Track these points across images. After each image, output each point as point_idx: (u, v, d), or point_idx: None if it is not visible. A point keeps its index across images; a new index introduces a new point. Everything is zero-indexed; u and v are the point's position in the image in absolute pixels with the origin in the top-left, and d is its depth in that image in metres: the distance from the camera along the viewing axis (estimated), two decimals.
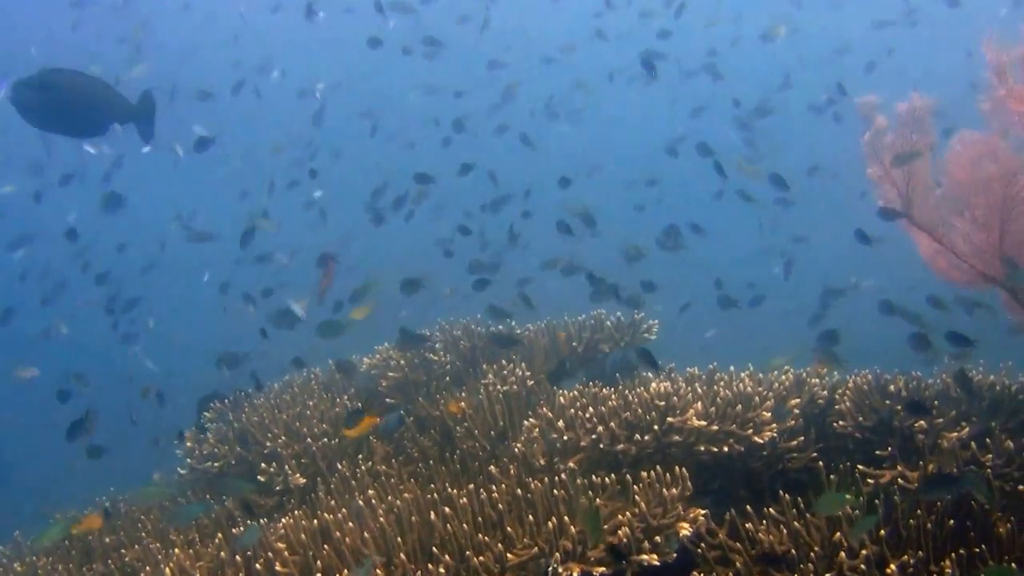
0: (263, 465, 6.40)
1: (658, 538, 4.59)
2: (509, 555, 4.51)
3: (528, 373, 6.81)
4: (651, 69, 8.74)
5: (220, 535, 5.51)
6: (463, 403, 6.49)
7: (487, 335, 7.57)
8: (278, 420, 6.87)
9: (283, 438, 6.62)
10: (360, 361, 7.84)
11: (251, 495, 6.21)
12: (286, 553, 4.88)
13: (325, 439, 6.55)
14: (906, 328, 6.36)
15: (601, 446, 5.30)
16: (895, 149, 6.38)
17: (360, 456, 6.38)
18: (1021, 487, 4.58)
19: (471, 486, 4.99)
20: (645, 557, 4.50)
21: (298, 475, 6.29)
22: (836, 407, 5.73)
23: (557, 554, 4.46)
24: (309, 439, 6.52)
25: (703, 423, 5.25)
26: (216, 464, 6.76)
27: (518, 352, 7.31)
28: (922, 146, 6.33)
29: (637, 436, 5.24)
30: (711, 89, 15.99)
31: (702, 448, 5.24)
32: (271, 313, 8.13)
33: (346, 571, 4.67)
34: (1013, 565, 4.16)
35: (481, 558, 4.48)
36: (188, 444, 7.09)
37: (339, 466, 6.22)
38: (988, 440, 5.00)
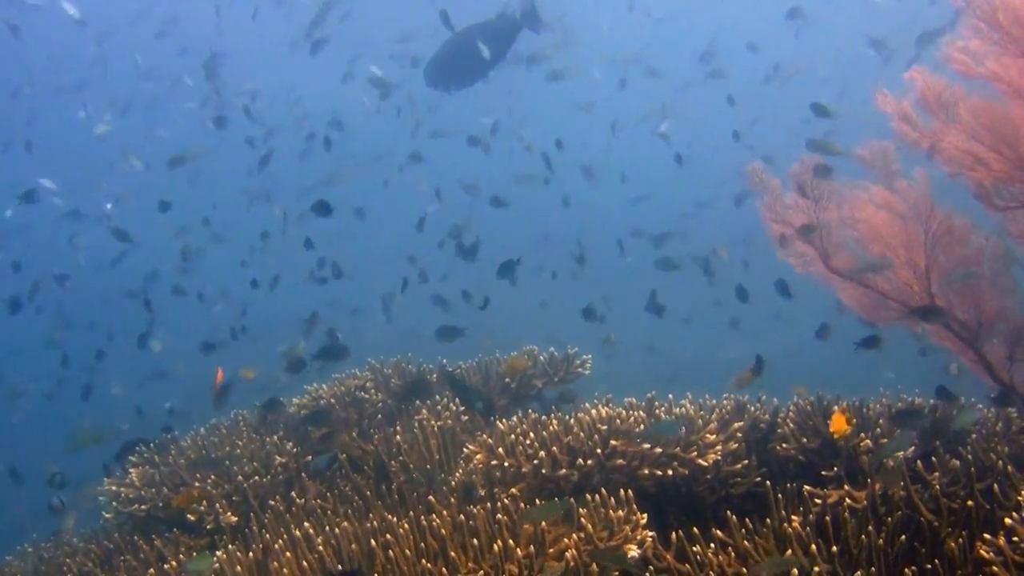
0: (193, 504, 6.20)
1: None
2: None
3: (462, 408, 6.71)
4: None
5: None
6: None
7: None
8: (207, 461, 6.68)
9: (213, 477, 6.43)
10: (289, 401, 7.69)
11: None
12: None
13: (256, 477, 6.36)
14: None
15: (544, 471, 5.18)
16: (802, 207, 6.45)
17: (293, 493, 6.21)
18: (970, 502, 4.53)
19: (412, 513, 4.85)
20: None
21: (230, 513, 6.11)
22: (779, 430, 5.67)
23: None
24: (240, 477, 6.34)
25: (647, 445, 5.16)
26: (143, 507, 6.55)
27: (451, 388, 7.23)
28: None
29: (580, 461, 5.13)
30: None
31: (646, 472, 5.15)
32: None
33: None
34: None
35: None
36: (112, 488, 6.85)
37: (272, 502, 6.04)
38: (934, 459, 4.97)
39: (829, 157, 6.58)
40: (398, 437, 6.40)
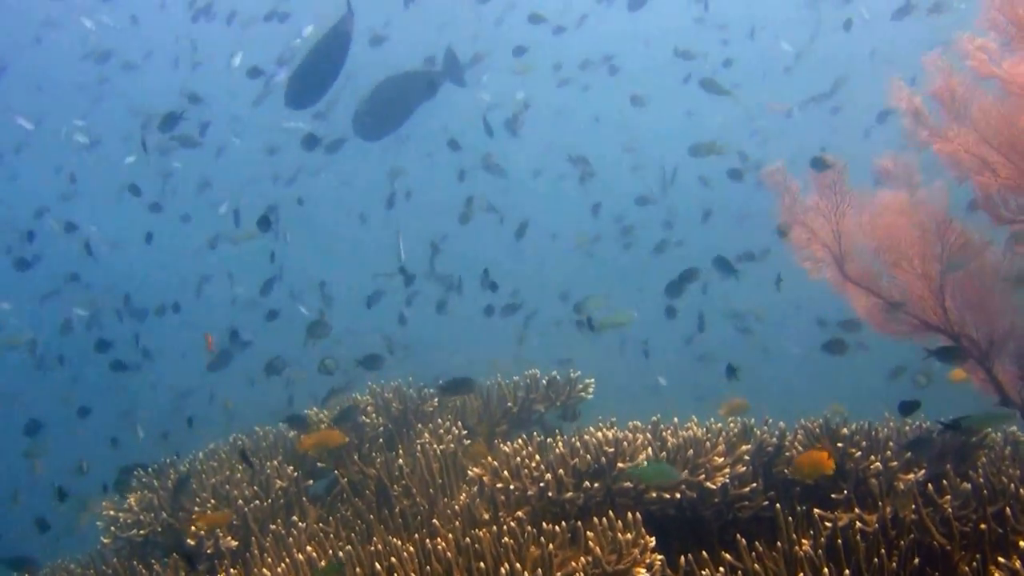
0: (193, 528, 6.14)
1: None
2: None
3: (464, 432, 6.66)
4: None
5: None
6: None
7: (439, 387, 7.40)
8: (206, 485, 6.62)
9: (212, 502, 6.37)
10: (287, 427, 7.63)
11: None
12: None
13: (256, 501, 6.30)
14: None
15: (549, 494, 5.12)
16: (821, 210, 6.39)
17: (294, 517, 6.14)
18: (983, 525, 4.47)
19: (416, 536, 4.79)
20: None
21: (230, 537, 6.04)
22: (786, 453, 5.60)
23: None
24: (240, 501, 6.27)
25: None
26: (142, 531, 6.48)
27: (452, 412, 7.17)
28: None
29: (586, 483, 5.08)
30: None
31: (653, 495, 5.09)
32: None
33: None
34: None
35: None
36: (111, 512, 6.79)
37: (272, 526, 5.98)
38: (944, 482, 4.91)
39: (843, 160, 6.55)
40: (400, 461, 6.34)
